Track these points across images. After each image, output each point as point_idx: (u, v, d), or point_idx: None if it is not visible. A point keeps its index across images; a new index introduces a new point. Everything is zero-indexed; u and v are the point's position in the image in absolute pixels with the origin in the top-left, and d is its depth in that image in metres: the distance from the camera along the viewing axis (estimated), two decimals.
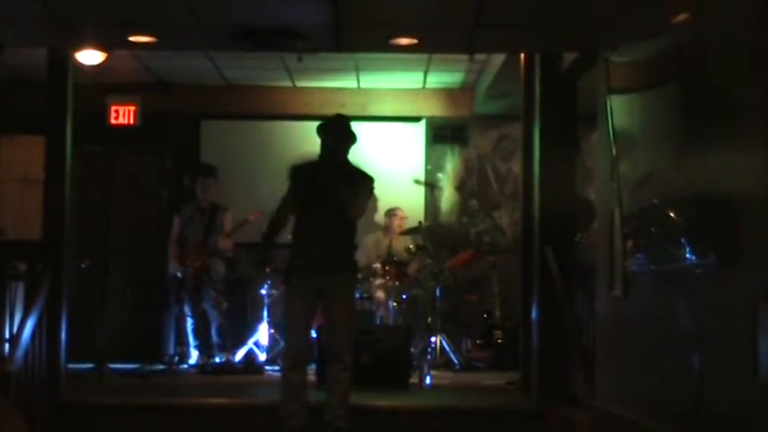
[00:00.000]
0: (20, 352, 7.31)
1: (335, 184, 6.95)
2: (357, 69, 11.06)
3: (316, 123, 11.72)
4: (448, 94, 12.02)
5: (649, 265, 5.53)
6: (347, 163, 7.29)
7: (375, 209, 10.55)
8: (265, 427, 6.87)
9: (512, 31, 7.66)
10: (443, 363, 10.31)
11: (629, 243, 5.81)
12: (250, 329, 10.44)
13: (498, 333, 10.68)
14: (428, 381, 9.06)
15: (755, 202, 4.27)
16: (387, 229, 10.98)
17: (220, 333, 10.24)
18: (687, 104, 4.82)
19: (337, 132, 7.27)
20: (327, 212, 6.98)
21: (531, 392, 8.21)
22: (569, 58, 8.20)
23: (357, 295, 7.51)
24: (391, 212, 11.00)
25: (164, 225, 10.62)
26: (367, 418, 7.72)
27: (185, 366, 10.16)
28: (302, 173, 7.21)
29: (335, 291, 7.01)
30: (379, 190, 11.75)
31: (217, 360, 10.03)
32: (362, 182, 7.24)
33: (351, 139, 7.31)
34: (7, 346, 7.83)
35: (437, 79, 11.50)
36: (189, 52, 10.00)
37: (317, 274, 6.96)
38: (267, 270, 9.96)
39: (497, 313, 10.88)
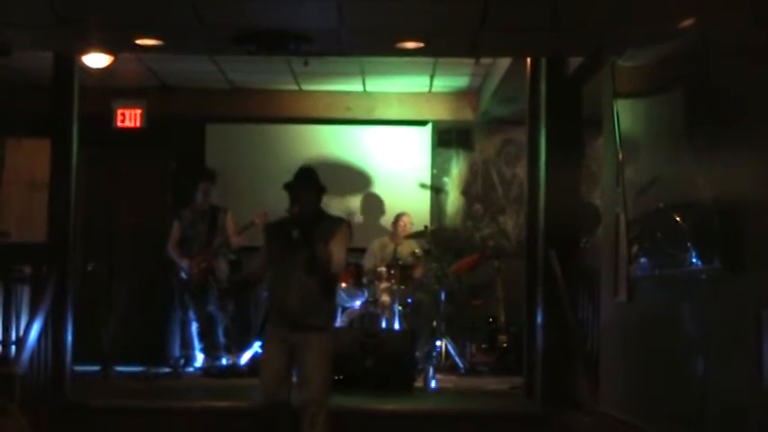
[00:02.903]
0: (25, 354, 7.32)
1: (309, 243, 6.60)
2: (363, 73, 11.06)
3: (321, 127, 12.01)
4: (454, 97, 12.02)
5: (654, 270, 5.53)
6: (319, 215, 6.90)
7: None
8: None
9: (517, 35, 7.68)
10: (448, 366, 10.31)
11: (634, 248, 5.81)
12: (254, 332, 10.42)
13: (502, 337, 10.69)
14: (432, 384, 9.06)
15: (761, 207, 4.27)
16: (393, 233, 10.98)
17: (227, 334, 10.24)
18: (693, 109, 4.82)
19: (304, 187, 6.83)
20: (302, 271, 6.65)
21: (535, 397, 8.21)
22: (575, 62, 8.21)
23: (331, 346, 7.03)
24: (398, 217, 11.00)
25: (168, 228, 10.62)
26: (371, 422, 7.73)
27: (190, 369, 10.16)
28: (275, 232, 6.93)
29: (308, 349, 6.66)
30: (384, 194, 11.90)
31: (222, 362, 10.03)
32: (337, 229, 6.84)
33: (319, 190, 6.89)
34: (13, 348, 7.85)
35: (443, 83, 11.50)
36: (194, 56, 10.01)
37: (290, 333, 6.68)
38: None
39: (502, 317, 10.87)
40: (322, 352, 6.71)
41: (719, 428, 4.67)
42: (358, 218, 11.65)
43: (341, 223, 6.97)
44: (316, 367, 6.66)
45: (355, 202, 11.99)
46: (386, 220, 11.52)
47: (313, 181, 6.86)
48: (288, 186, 6.84)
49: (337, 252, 6.70)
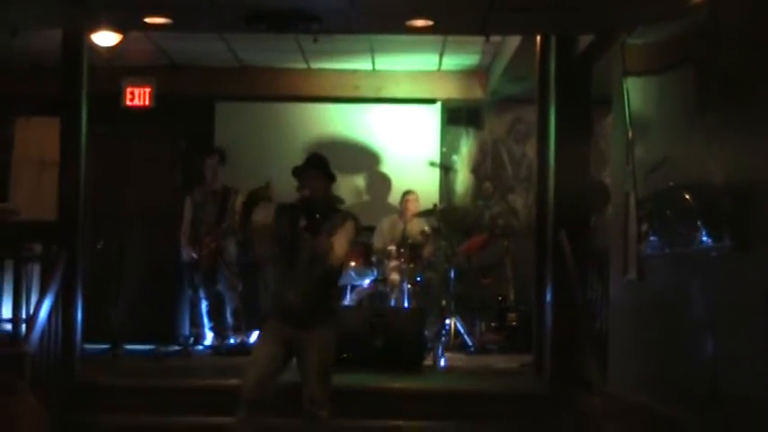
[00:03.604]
0: (35, 333, 7.34)
1: (314, 234, 6.43)
2: (372, 51, 11.04)
3: (330, 105, 11.99)
4: (463, 76, 11.98)
5: (664, 249, 5.53)
6: (327, 205, 6.74)
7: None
8: (279, 408, 6.87)
9: (526, 13, 7.65)
10: (457, 345, 10.31)
11: (644, 226, 5.81)
12: (263, 311, 10.44)
13: (512, 316, 10.70)
14: (442, 363, 9.08)
15: None
16: (401, 212, 10.98)
17: (235, 315, 10.25)
18: (703, 88, 4.80)
19: (312, 175, 6.64)
20: (305, 261, 6.51)
21: (544, 376, 8.23)
22: (585, 41, 8.18)
23: (334, 338, 6.83)
24: (405, 196, 10.99)
25: (177, 207, 10.62)
26: (380, 400, 7.75)
27: (200, 348, 10.18)
28: (284, 216, 6.66)
29: (310, 347, 6.53)
30: (393, 172, 11.89)
31: (231, 341, 10.06)
32: (342, 224, 6.64)
33: (328, 179, 6.71)
34: (23, 326, 7.87)
35: (452, 61, 11.47)
36: (203, 34, 9.99)
37: (290, 329, 6.51)
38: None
39: (511, 296, 10.88)
40: (323, 350, 6.59)
41: (730, 406, 4.67)
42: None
43: (347, 218, 6.76)
44: (316, 366, 6.54)
45: (364, 180, 11.98)
46: (394, 199, 11.51)
47: (322, 168, 6.69)
48: (296, 171, 6.69)
49: (338, 246, 6.50)
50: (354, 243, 7.00)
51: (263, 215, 7.22)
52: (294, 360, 6.61)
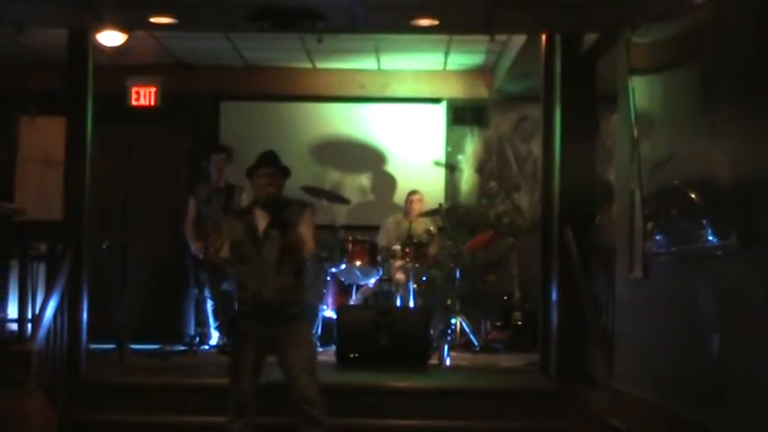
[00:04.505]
0: (41, 332, 7.36)
1: (284, 229, 6.48)
2: (377, 50, 11.04)
3: (335, 105, 11.99)
4: (468, 75, 11.98)
5: (669, 247, 5.52)
6: (285, 200, 6.81)
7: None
8: (283, 406, 6.88)
9: (531, 12, 7.65)
10: (463, 344, 10.33)
11: (650, 224, 5.80)
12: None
13: (517, 314, 10.71)
14: (447, 362, 9.08)
15: None
16: (407, 212, 10.97)
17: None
18: (709, 84, 4.79)
19: (272, 173, 6.72)
20: (272, 260, 6.54)
21: (550, 373, 8.23)
22: (589, 39, 8.18)
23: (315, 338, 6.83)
24: (410, 195, 10.98)
25: (183, 206, 10.63)
26: (386, 399, 7.75)
27: (205, 347, 10.19)
28: (240, 223, 6.74)
29: (290, 345, 6.59)
30: (398, 172, 11.89)
31: None
32: (302, 215, 6.72)
33: (282, 174, 6.79)
34: (29, 326, 7.88)
35: (457, 60, 11.47)
36: (208, 33, 10.00)
37: (267, 329, 6.58)
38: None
39: (516, 294, 10.89)
40: (304, 346, 6.65)
41: (735, 404, 4.67)
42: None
43: (304, 208, 6.85)
44: (301, 365, 6.57)
45: (368, 179, 11.98)
46: (399, 198, 11.51)
47: (279, 165, 6.76)
48: (250, 171, 6.76)
49: (308, 238, 6.60)
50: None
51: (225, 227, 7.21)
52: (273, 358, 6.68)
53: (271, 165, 6.75)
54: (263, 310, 6.56)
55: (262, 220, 6.64)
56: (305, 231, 6.61)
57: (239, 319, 6.89)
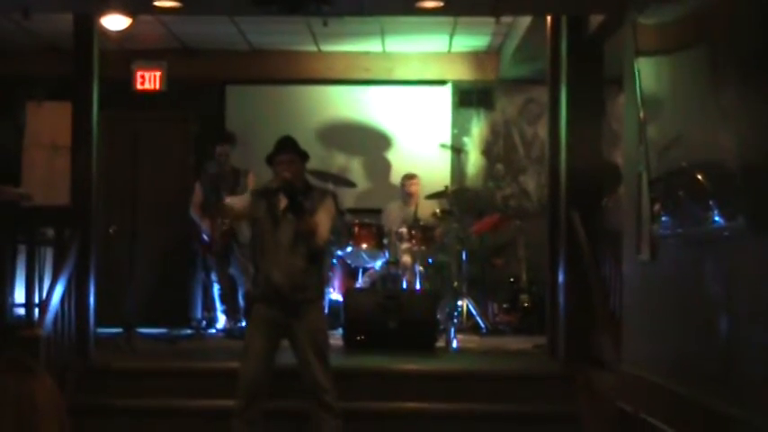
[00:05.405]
0: (49, 317, 7.37)
1: (298, 215, 6.45)
2: (382, 33, 11.02)
3: (341, 88, 11.98)
4: (474, 57, 11.96)
5: (677, 229, 5.52)
6: (305, 185, 6.79)
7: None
8: (290, 391, 6.89)
9: None
10: (470, 327, 10.34)
11: (657, 206, 5.79)
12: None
13: (524, 297, 10.70)
14: (454, 345, 9.08)
15: None
16: (404, 196, 10.91)
17: (246, 298, 10.26)
18: (716, 66, 4.78)
19: (290, 159, 6.69)
20: (289, 242, 6.53)
21: (558, 356, 8.23)
22: (595, 21, 8.16)
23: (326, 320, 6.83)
24: (406, 180, 10.92)
25: (189, 190, 10.63)
26: (393, 382, 7.76)
27: (212, 331, 10.20)
28: (261, 200, 6.72)
29: (300, 329, 6.55)
30: (404, 155, 11.87)
31: (243, 324, 10.06)
32: (322, 202, 6.70)
33: (303, 160, 6.80)
34: (37, 311, 7.90)
35: (463, 43, 11.45)
36: (214, 17, 9.99)
37: (280, 313, 6.55)
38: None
39: (524, 277, 10.88)
40: (316, 333, 6.62)
41: (743, 386, 4.67)
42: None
43: (325, 196, 6.84)
44: (314, 350, 6.55)
45: (375, 162, 11.97)
46: (397, 182, 11.46)
47: (297, 151, 6.76)
48: (270, 158, 6.75)
49: (322, 224, 6.57)
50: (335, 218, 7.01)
51: (238, 201, 7.28)
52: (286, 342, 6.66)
53: (289, 151, 6.74)
54: (275, 293, 6.54)
55: (284, 203, 6.61)
56: (321, 218, 6.57)
57: (252, 303, 6.89)
